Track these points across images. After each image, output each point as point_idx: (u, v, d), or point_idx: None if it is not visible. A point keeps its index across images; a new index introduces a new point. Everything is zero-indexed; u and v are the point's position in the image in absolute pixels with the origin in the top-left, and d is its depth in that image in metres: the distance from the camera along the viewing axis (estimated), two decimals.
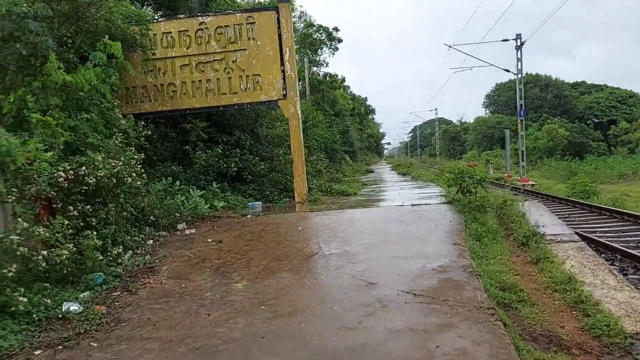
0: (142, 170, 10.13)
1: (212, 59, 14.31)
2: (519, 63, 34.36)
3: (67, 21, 11.10)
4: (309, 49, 38.99)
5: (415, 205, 11.58)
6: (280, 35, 14.07)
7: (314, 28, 36.81)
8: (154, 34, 14.29)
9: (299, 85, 36.57)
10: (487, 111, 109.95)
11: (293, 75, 14.16)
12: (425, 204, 11.64)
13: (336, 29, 37.76)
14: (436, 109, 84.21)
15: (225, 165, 14.29)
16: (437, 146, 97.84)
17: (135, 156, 9.84)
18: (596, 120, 76.81)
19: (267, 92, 14.22)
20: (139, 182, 9.46)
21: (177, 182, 12.90)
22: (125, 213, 9.09)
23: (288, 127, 14.84)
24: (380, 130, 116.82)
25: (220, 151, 14.29)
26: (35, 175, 7.56)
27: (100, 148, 9.57)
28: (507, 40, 35.78)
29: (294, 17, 40.18)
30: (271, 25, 14.10)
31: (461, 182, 10.96)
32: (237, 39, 14.22)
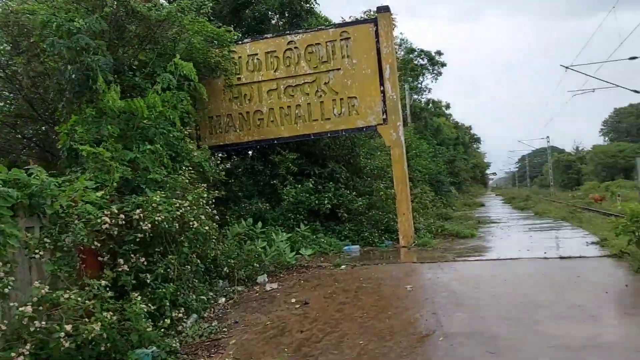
0: (214, 211, 8.43)
1: (302, 81, 12.63)
2: None
3: (140, 42, 9.95)
4: (409, 75, 36.82)
5: (564, 258, 8.74)
6: (379, 51, 12.07)
7: (415, 53, 34.60)
8: (239, 57, 12.95)
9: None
10: (606, 139, 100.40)
11: (395, 97, 12.04)
12: (579, 257, 8.75)
13: (439, 53, 35.36)
14: (548, 137, 77.35)
15: (317, 201, 12.37)
16: (549, 176, 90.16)
17: (205, 194, 8.15)
18: None
19: (365, 117, 12.20)
20: (207, 227, 7.71)
21: (261, 223, 11.15)
22: (189, 266, 7.35)
23: (389, 157, 12.64)
24: (485, 160, 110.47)
25: (311, 185, 12.42)
26: (76, 221, 6.02)
27: (165, 185, 8.03)
28: (635, 58, 31.26)
29: (394, 44, 38.42)
30: (369, 40, 12.16)
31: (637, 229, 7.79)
32: (329, 57, 12.44)
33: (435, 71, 35.60)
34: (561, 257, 8.82)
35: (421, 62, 35.79)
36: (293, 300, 7.53)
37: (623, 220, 8.23)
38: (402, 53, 38.77)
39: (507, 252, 10.10)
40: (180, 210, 7.41)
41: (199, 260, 7.63)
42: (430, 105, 36.35)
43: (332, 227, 12.71)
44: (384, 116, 12.07)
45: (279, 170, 12.78)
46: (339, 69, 12.38)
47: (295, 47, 12.65)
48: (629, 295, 6.46)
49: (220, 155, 10.43)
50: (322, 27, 12.85)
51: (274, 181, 12.82)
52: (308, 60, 12.60)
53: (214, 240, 8.31)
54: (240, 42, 13.14)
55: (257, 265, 8.77)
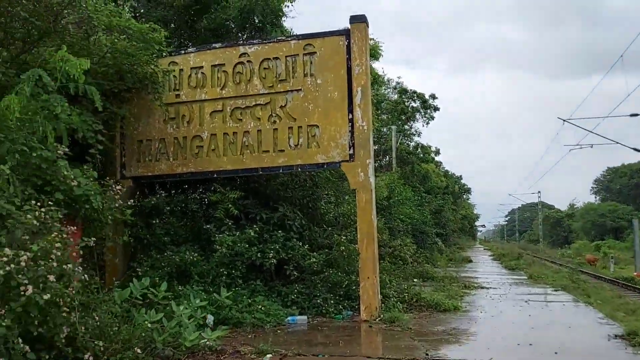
0: (76, 267, 5.75)
1: (254, 103, 10.17)
2: None
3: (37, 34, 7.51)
4: (398, 118, 34.78)
5: None
6: (350, 70, 9.68)
7: (408, 94, 32.58)
8: (180, 69, 10.53)
9: (381, 155, 32.15)
10: (597, 197, 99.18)
11: (366, 127, 9.57)
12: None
13: (433, 96, 33.30)
14: (539, 192, 75.64)
15: (260, 254, 9.68)
16: (540, 232, 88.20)
17: (59, 243, 5.48)
18: None
19: (327, 151, 9.70)
20: (49, 294, 5.01)
21: (176, 281, 8.46)
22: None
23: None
24: (475, 212, 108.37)
25: (253, 233, 9.74)
26: None
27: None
28: (636, 115, 29.54)
29: (388, 88, 36.60)
30: (338, 56, 9.79)
31: None
32: (289, 75, 10.03)
33: (427, 115, 33.53)
34: None
35: (413, 104, 33.78)
36: None
37: None
38: (395, 97, 36.90)
39: (500, 345, 7.40)
40: (7, 268, 4.81)
41: (23, 346, 4.87)
42: (419, 150, 34.15)
43: (278, 288, 9.98)
44: (351, 151, 9.57)
45: (216, 211, 10.12)
46: (299, 90, 9.95)
47: (249, 61, 10.24)
48: None
49: (118, 188, 7.79)
50: (282, 37, 10.45)
51: (208, 225, 10.14)
52: (262, 77, 10.16)
53: (76, 309, 5.58)
54: (183, 52, 10.74)
55: (140, 352, 5.98)
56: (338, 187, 13.00)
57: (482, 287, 15.34)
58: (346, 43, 9.75)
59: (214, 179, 10.55)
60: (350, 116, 9.63)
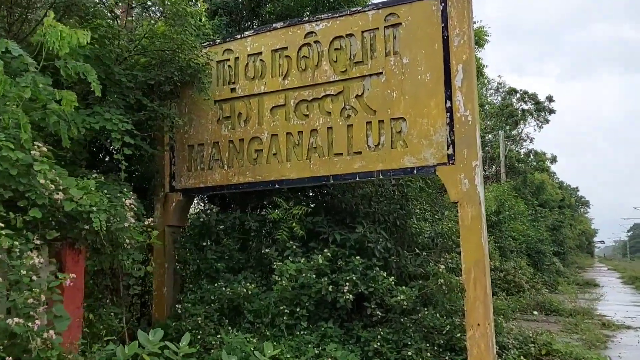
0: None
1: (323, 93, 8.03)
2: None
3: None
4: (506, 122, 31.02)
5: None
6: (446, 42, 7.23)
7: (517, 95, 28.77)
8: (236, 58, 8.69)
9: (487, 164, 28.39)
10: None
11: (470, 118, 7.04)
12: None
13: (550, 99, 29.08)
14: None
15: (331, 287, 7.43)
16: None
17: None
18: None
19: (417, 151, 7.29)
20: None
21: (228, 321, 6.48)
22: None
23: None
24: (592, 227, 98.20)
25: (323, 260, 7.54)
26: None
27: None
28: None
29: (490, 89, 33.02)
30: (430, 25, 7.38)
31: None
32: (365, 56, 7.78)
33: (541, 117, 29.32)
34: None
35: (524, 106, 29.81)
36: None
37: None
38: (499, 99, 33.17)
39: None
40: None
41: None
42: (532, 157, 30.03)
43: (356, 332, 7.64)
44: (450, 150, 7.08)
45: (278, 231, 8.06)
46: (379, 74, 7.66)
47: (316, 42, 8.15)
48: None
49: (130, 201, 5.94)
50: (357, 9, 8.21)
51: (268, 249, 8.09)
52: (333, 60, 8.01)
53: None
54: (238, 36, 8.89)
55: None
56: (435, 199, 10.44)
57: (629, 327, 11.87)
58: (441, 8, 7.31)
59: (277, 190, 8.54)
60: (449, 104, 7.16)
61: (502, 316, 8.87)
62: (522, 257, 20.89)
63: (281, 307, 7.44)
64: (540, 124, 29.19)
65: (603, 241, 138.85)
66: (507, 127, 28.76)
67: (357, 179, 7.81)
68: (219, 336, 7.01)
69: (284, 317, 7.38)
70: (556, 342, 8.11)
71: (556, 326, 11.85)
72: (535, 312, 14.15)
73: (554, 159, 32.28)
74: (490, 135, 29.24)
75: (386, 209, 8.74)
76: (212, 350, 6.82)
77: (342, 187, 9.00)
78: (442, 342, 7.46)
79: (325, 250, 7.74)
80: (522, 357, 7.37)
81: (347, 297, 7.42)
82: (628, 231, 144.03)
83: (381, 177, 7.64)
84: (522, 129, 29.64)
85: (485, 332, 6.71)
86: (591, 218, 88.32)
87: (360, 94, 7.75)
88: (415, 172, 7.45)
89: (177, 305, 8.05)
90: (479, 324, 6.74)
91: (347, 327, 7.83)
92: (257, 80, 8.51)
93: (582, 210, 71.64)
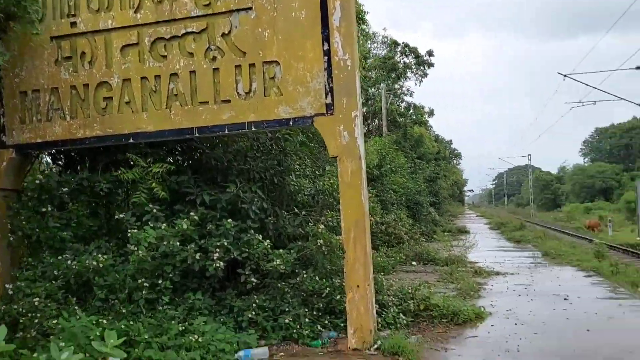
0: None
1: (183, 31, 6.87)
2: None
3: None
4: (388, 76, 31.30)
5: None
6: None
7: (399, 48, 28.95)
8: None
9: (370, 118, 28.65)
10: (586, 159, 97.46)
11: (350, 62, 6.36)
12: None
13: (430, 53, 29.65)
14: (529, 155, 73.14)
15: (199, 254, 6.53)
16: (530, 196, 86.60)
17: None
18: None
19: (292, 100, 6.50)
20: None
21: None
22: None
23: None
24: (463, 177, 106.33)
25: (189, 225, 6.59)
26: None
27: None
28: None
29: (374, 42, 32.96)
30: None
31: None
32: None
33: (420, 71, 29.97)
34: None
35: (405, 59, 30.20)
36: None
37: None
38: (384, 53, 33.30)
39: None
40: None
41: None
42: (411, 111, 30.80)
43: (229, 302, 6.89)
44: (328, 99, 6.39)
45: (134, 194, 6.92)
46: (248, 9, 6.66)
47: None
48: None
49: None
50: None
51: (122, 215, 6.94)
52: None
53: None
54: None
55: None
56: (318, 154, 9.82)
57: (497, 274, 12.45)
58: None
59: (132, 146, 7.32)
60: (326, 46, 6.40)
61: (382, 273, 8.61)
62: (402, 209, 21.43)
63: (140, 281, 6.42)
64: (420, 77, 29.94)
65: (472, 190, 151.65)
66: (389, 81, 29.09)
67: (226, 131, 6.86)
68: (59, 320, 5.85)
69: (143, 292, 6.38)
70: (434, 296, 8.03)
71: (433, 276, 12.08)
72: (414, 263, 14.45)
73: (431, 113, 33.62)
74: (373, 89, 29.38)
75: (262, 166, 7.92)
76: (51, 338, 5.68)
77: (212, 142, 8.01)
78: (321, 305, 6.99)
79: (192, 214, 6.79)
80: (401, 315, 7.14)
81: (218, 264, 6.57)
82: (493, 180, 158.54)
83: (253, 129, 6.77)
84: (403, 83, 30.20)
85: (364, 294, 6.29)
86: (462, 169, 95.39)
87: (227, 32, 6.72)
88: (291, 123, 6.67)
89: (7, 285, 6.68)
90: (358, 286, 6.30)
91: (219, 297, 7.05)
92: (103, 13, 7.08)
93: (454, 162, 76.59)
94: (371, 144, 20.10)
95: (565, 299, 9.00)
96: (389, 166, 19.94)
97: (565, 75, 30.10)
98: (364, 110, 27.19)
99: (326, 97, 6.40)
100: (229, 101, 6.72)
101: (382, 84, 25.82)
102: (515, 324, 7.33)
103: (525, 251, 18.02)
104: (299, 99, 6.49)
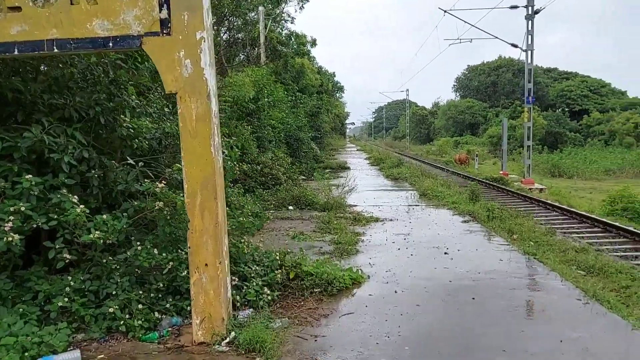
0: None
1: None
2: (529, 37, 25.95)
3: None
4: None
5: None
6: None
7: None
8: None
9: (248, 47, 26.34)
10: (457, 95, 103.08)
11: None
12: None
13: None
14: (407, 90, 75.72)
15: None
16: (407, 130, 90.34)
17: None
18: (570, 110, 70.42)
19: (112, 12, 4.62)
20: None
21: None
22: None
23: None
24: (345, 110, 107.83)
25: None
26: None
27: None
28: (516, 7, 27.41)
29: None
30: None
31: None
32: None
33: None
34: None
35: None
36: None
37: None
38: None
39: None
40: None
41: None
42: (293, 40, 28.90)
43: (32, 284, 5.14)
44: (163, 13, 4.60)
45: None
46: None
47: None
48: None
49: None
50: None
51: None
52: None
53: None
54: None
55: None
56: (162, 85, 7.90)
57: (377, 220, 11.77)
58: None
59: None
60: None
61: (246, 234, 7.24)
62: (280, 147, 20.16)
63: None
64: (301, 3, 27.83)
65: (353, 123, 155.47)
66: (270, 4, 26.67)
67: (16, 52, 4.80)
68: None
69: None
70: (305, 260, 6.91)
71: (310, 224, 11.10)
72: (290, 207, 13.40)
73: (314, 42, 31.81)
74: (253, 13, 26.91)
75: (84, 101, 5.96)
76: None
77: (12, 66, 5.84)
78: (161, 285, 5.50)
79: None
80: (265, 289, 5.92)
81: (11, 238, 4.75)
82: (373, 113, 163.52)
83: (56, 50, 4.78)
84: (284, 7, 27.95)
85: (215, 275, 4.90)
86: (345, 102, 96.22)
87: None
88: (111, 44, 4.77)
89: None
90: (206, 264, 4.88)
91: (20, 277, 5.26)
92: None
93: (337, 95, 76.39)
94: (248, 74, 18.19)
95: (445, 253, 8.41)
96: (266, 100, 18.29)
97: (445, 11, 30.07)
98: (240, 35, 24.76)
99: (160, 9, 4.61)
100: (19, 9, 4.65)
101: (260, 8, 23.51)
102: (396, 292, 6.46)
103: (403, 190, 17.79)
104: (121, 11, 4.62)
